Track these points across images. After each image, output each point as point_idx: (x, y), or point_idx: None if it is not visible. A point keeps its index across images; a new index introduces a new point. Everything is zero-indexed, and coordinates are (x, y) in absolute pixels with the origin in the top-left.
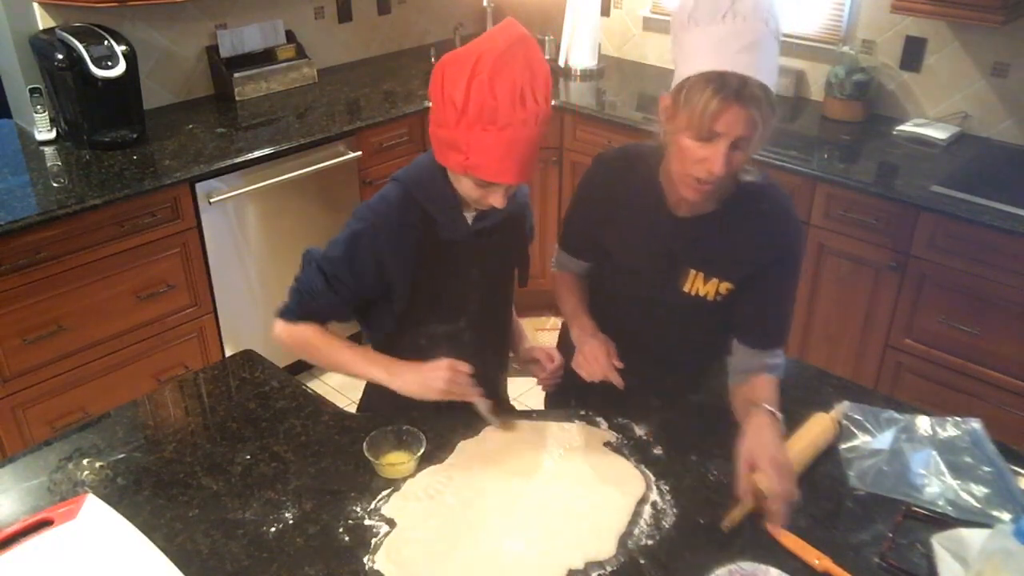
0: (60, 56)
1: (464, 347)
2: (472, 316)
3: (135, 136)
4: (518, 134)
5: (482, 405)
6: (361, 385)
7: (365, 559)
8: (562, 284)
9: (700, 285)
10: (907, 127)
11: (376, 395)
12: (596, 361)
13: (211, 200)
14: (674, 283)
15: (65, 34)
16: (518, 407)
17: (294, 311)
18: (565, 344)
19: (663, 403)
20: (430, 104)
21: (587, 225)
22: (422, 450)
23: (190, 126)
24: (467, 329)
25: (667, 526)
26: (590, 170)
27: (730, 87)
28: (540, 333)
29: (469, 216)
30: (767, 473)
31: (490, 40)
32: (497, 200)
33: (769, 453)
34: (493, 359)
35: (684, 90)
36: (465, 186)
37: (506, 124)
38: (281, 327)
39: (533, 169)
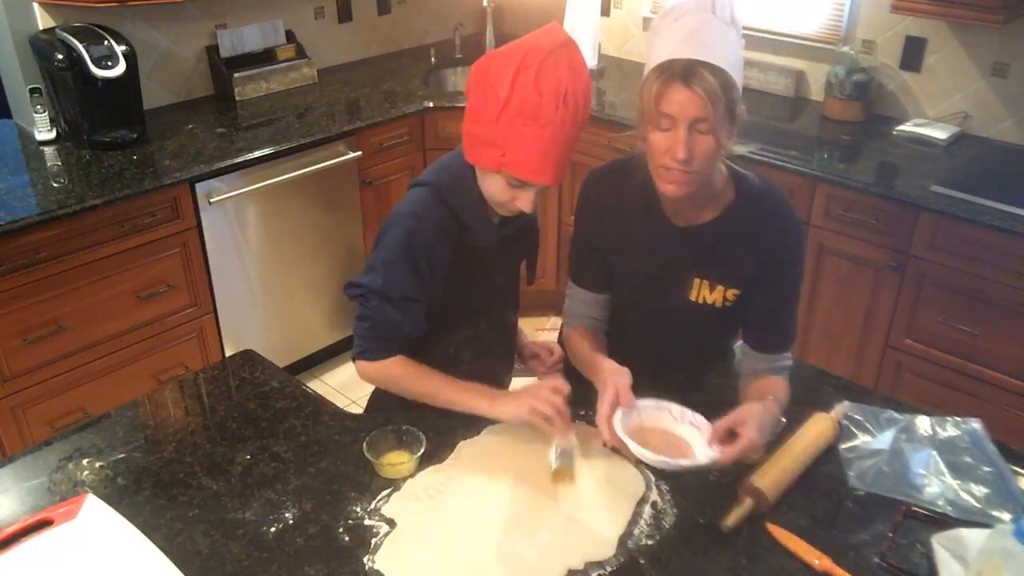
0: (60, 56)
1: (484, 345)
2: (491, 317)
3: (135, 136)
4: (558, 133)
5: (562, 443)
6: (365, 385)
7: (365, 559)
8: (573, 338)
9: (706, 293)
10: (907, 127)
11: (386, 393)
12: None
13: (211, 200)
14: (680, 293)
15: (65, 34)
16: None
17: (376, 349)
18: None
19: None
20: (466, 102)
21: (591, 246)
22: (422, 450)
23: (190, 126)
24: (487, 330)
25: (667, 526)
26: (584, 189)
27: (673, 70)
28: (540, 333)
29: (494, 221)
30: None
31: (537, 39)
32: (526, 203)
33: (755, 419)
34: (504, 359)
35: (640, 87)
36: (495, 187)
37: (547, 122)
38: (366, 367)
39: (566, 172)
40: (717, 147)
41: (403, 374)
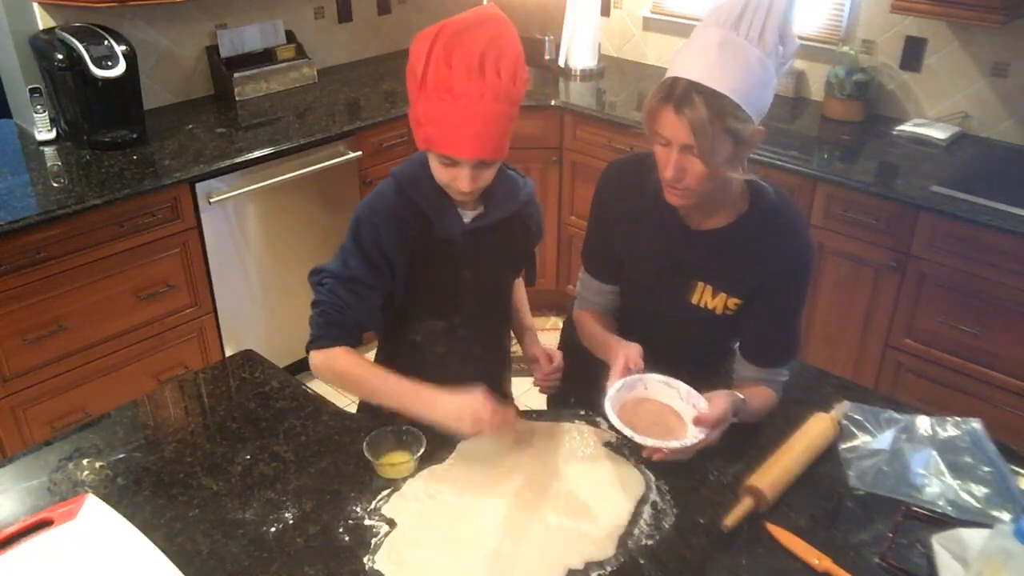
0: (60, 56)
1: (460, 344)
2: (466, 314)
3: (135, 136)
4: (474, 106)
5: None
6: None
7: (365, 559)
8: (585, 321)
9: (708, 298)
10: (907, 127)
11: None
12: None
13: (211, 200)
14: (683, 295)
15: (65, 34)
16: (518, 407)
17: (325, 336)
18: (567, 343)
19: None
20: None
21: (604, 238)
22: (422, 450)
23: (190, 126)
24: (462, 326)
25: (667, 526)
26: (602, 178)
27: (671, 92)
28: (540, 333)
29: (468, 215)
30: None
31: (460, 15)
32: (463, 183)
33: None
34: (493, 356)
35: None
36: (434, 168)
37: (460, 94)
38: (316, 358)
39: (495, 148)
40: (709, 171)
41: (347, 366)
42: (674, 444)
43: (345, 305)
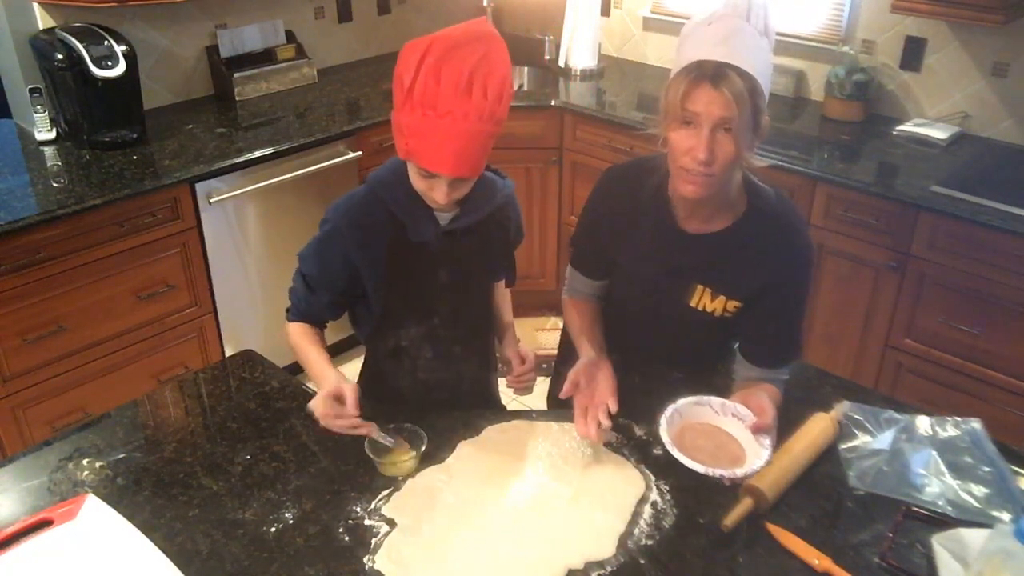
0: (60, 56)
1: (442, 346)
2: (444, 317)
3: (135, 136)
4: (457, 125)
5: (375, 436)
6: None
7: (365, 559)
8: (570, 308)
9: (707, 301)
10: (907, 127)
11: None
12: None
13: (211, 200)
14: (681, 298)
15: (65, 34)
16: (518, 407)
17: (291, 312)
18: (567, 347)
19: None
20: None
21: (598, 240)
22: (423, 447)
23: (190, 126)
24: (440, 328)
25: (667, 526)
26: (600, 184)
27: (703, 71)
28: (540, 333)
29: (443, 217)
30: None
31: (451, 30)
32: (439, 195)
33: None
34: (476, 359)
35: (667, 86)
36: (413, 176)
37: (446, 112)
38: (286, 326)
39: (473, 166)
40: (738, 152)
41: (294, 339)
42: (758, 464)
43: (302, 296)
